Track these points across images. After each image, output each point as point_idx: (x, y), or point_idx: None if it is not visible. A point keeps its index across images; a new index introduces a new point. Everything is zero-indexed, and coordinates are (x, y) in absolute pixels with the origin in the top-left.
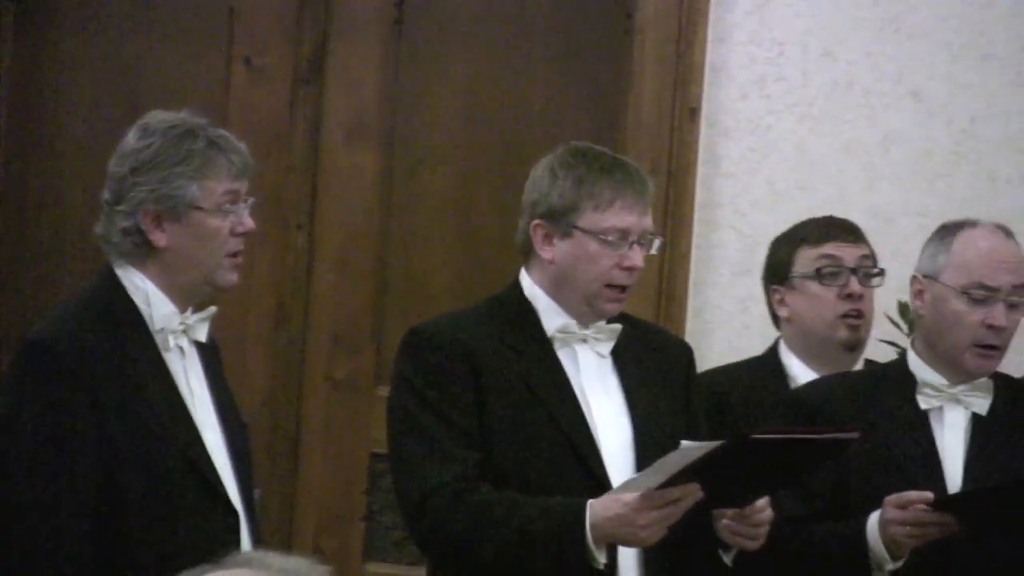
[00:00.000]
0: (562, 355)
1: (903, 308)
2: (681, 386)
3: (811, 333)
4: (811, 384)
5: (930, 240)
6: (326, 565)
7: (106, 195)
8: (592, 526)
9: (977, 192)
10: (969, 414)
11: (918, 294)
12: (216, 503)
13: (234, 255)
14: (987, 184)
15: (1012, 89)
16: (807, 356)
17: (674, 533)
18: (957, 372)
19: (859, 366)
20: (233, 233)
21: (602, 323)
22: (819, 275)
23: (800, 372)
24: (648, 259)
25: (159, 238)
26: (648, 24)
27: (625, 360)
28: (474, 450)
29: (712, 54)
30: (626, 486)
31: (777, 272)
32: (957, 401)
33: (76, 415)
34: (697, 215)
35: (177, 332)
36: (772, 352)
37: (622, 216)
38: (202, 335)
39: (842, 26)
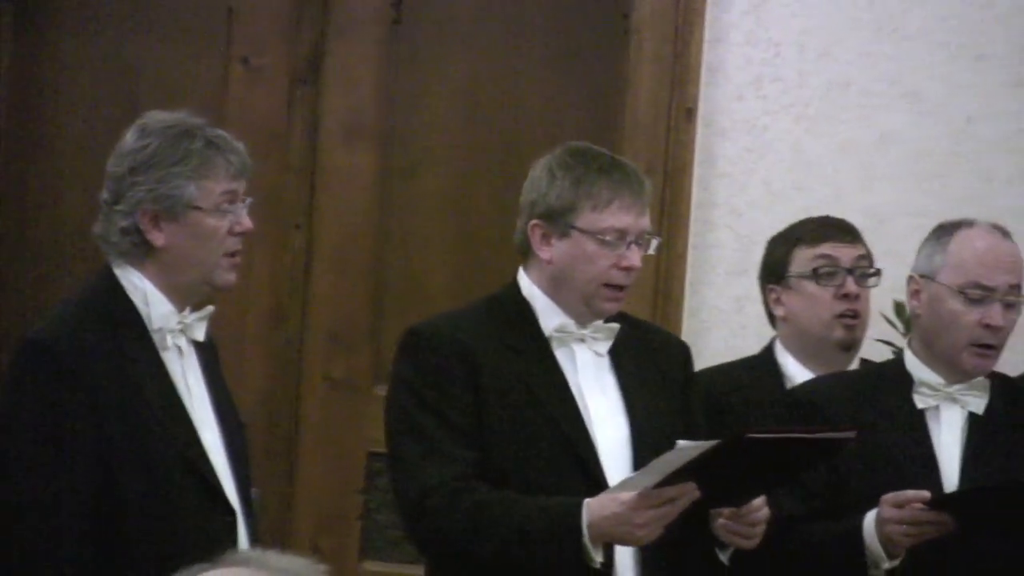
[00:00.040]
0: (560, 354)
1: (899, 307)
2: (679, 385)
3: (807, 333)
4: (808, 383)
5: (927, 240)
6: (323, 564)
7: (104, 195)
8: (589, 525)
9: (973, 192)
10: (966, 413)
11: (915, 294)
12: (214, 502)
13: (232, 255)
14: (983, 184)
15: (1008, 89)
16: (803, 355)
17: (671, 532)
18: (954, 371)
19: (854, 366)
20: (231, 233)
21: (600, 322)
22: (815, 275)
23: (796, 371)
24: (645, 259)
25: (157, 238)
26: (644, 24)
27: (623, 359)
28: (472, 449)
29: (708, 54)
30: (623, 485)
31: (773, 271)
32: (954, 400)
33: (75, 415)
34: (693, 215)
35: (175, 332)
36: (768, 351)
37: (620, 216)
38: (200, 335)
39: (838, 27)
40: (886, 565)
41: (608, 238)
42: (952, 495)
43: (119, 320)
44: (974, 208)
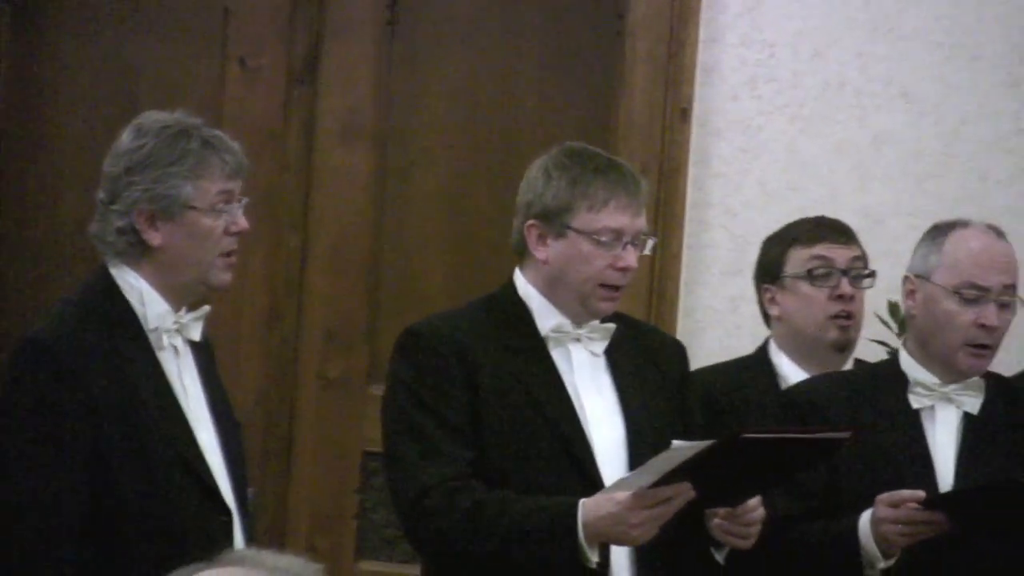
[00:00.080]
0: (556, 354)
1: (893, 308)
2: (675, 385)
3: (801, 333)
4: (804, 383)
5: (922, 240)
6: (319, 563)
7: (101, 194)
8: (584, 525)
9: (967, 192)
10: (961, 413)
11: (910, 294)
12: (210, 502)
13: (228, 255)
14: (977, 184)
15: (1002, 90)
16: (797, 356)
17: (666, 532)
18: (949, 371)
19: (849, 366)
20: (227, 232)
21: (596, 322)
22: (810, 276)
23: (790, 371)
24: (639, 258)
25: (153, 237)
26: (640, 25)
27: (619, 359)
28: (469, 449)
29: (703, 55)
30: (618, 485)
31: (768, 271)
32: (949, 400)
33: (72, 415)
34: (688, 215)
35: (171, 331)
36: (762, 351)
37: (616, 217)
38: (196, 334)
39: (833, 27)
40: (881, 565)
41: (604, 238)
42: (947, 495)
43: (115, 320)
44: (969, 208)
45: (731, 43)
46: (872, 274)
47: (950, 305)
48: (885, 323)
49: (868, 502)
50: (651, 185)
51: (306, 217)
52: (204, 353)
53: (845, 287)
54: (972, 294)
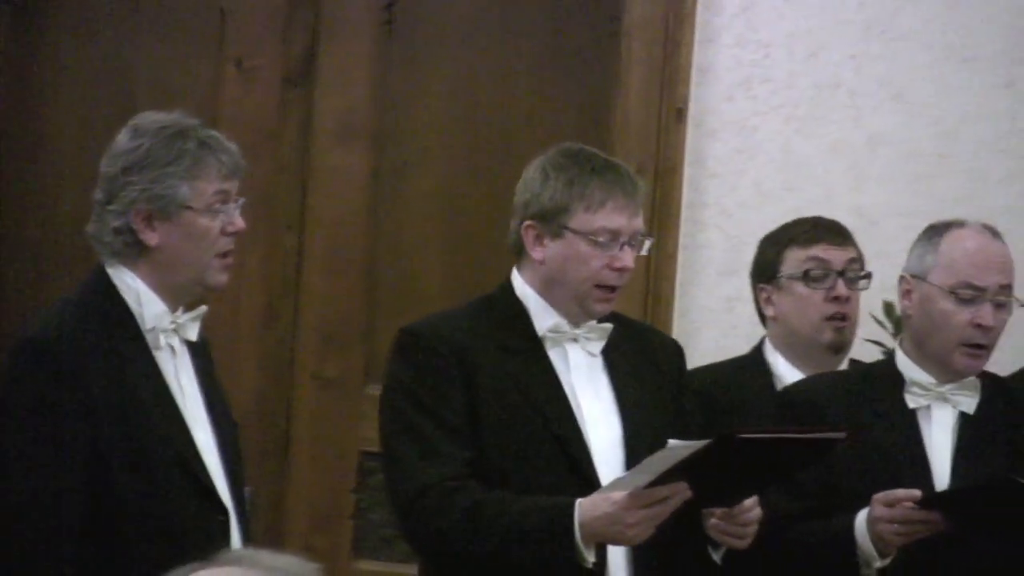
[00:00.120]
0: (553, 355)
1: (888, 308)
2: (672, 385)
3: (796, 333)
4: (801, 383)
5: (918, 240)
6: (316, 563)
7: (98, 195)
8: (581, 525)
9: (962, 193)
10: (957, 413)
11: (906, 294)
12: (207, 502)
13: (224, 255)
14: (972, 185)
15: (996, 91)
16: (792, 356)
17: (663, 532)
18: (945, 371)
19: (844, 367)
20: (224, 233)
21: (593, 323)
22: (806, 277)
23: (785, 371)
24: (635, 259)
25: (150, 238)
26: (635, 26)
27: (616, 359)
28: (465, 449)
29: (698, 56)
30: (614, 485)
31: (765, 271)
32: (945, 400)
33: (70, 415)
34: (684, 215)
35: (168, 331)
36: (757, 351)
37: (613, 217)
38: (193, 334)
39: (827, 28)
40: (877, 564)
41: (601, 239)
42: (942, 494)
43: (113, 320)
44: (964, 209)
45: (726, 44)
46: (868, 276)
47: (946, 305)
48: (880, 323)
49: (864, 501)
50: (647, 185)
51: (303, 217)
52: (201, 353)
53: (841, 289)
54: (968, 294)
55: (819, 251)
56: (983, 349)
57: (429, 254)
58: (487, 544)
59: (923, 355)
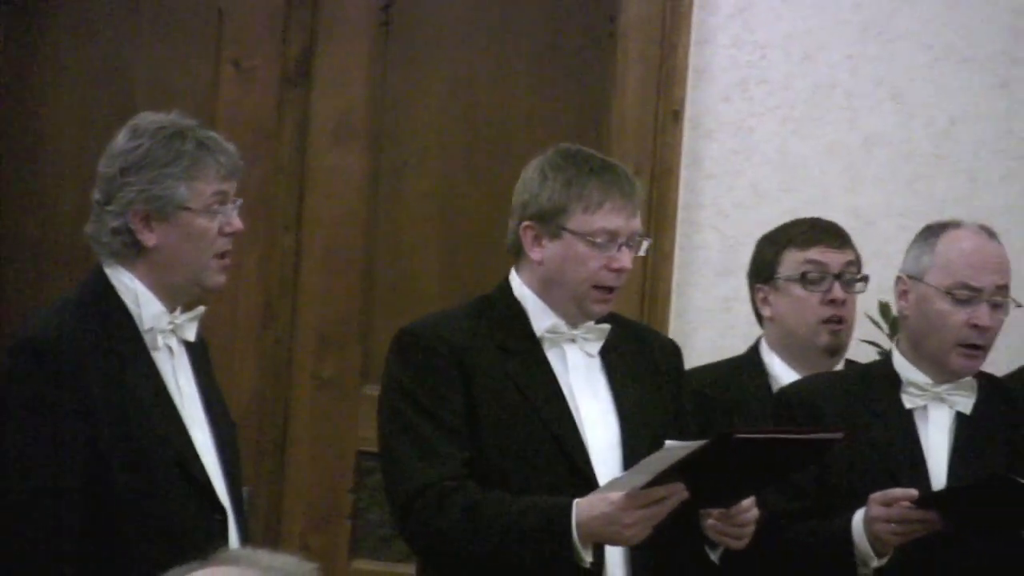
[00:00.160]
0: (551, 355)
1: (884, 308)
2: (670, 385)
3: (793, 335)
4: (798, 383)
5: (915, 241)
6: (313, 562)
7: (96, 195)
8: (578, 525)
9: (957, 193)
10: (953, 413)
11: (903, 294)
12: (205, 501)
13: (222, 255)
14: (967, 185)
15: (991, 91)
16: (788, 356)
17: (660, 532)
18: (942, 371)
19: (839, 368)
20: (222, 233)
21: (591, 323)
22: (803, 279)
23: (781, 371)
24: (632, 260)
25: (148, 238)
26: (632, 27)
27: (613, 360)
28: (464, 449)
29: (695, 57)
30: (611, 485)
31: (762, 272)
32: (941, 400)
33: (70, 415)
34: (680, 216)
35: (166, 332)
36: (753, 351)
37: (611, 218)
38: (191, 335)
39: (824, 29)
40: (874, 563)
41: (599, 240)
42: (939, 493)
43: (110, 320)
44: (959, 209)
45: (722, 45)
46: (865, 278)
47: (943, 305)
48: (876, 323)
49: (861, 501)
50: (643, 186)
51: (300, 217)
52: (199, 353)
53: (837, 292)
54: (964, 294)
55: (817, 254)
56: (979, 349)
57: (427, 254)
58: (485, 544)
59: (920, 355)
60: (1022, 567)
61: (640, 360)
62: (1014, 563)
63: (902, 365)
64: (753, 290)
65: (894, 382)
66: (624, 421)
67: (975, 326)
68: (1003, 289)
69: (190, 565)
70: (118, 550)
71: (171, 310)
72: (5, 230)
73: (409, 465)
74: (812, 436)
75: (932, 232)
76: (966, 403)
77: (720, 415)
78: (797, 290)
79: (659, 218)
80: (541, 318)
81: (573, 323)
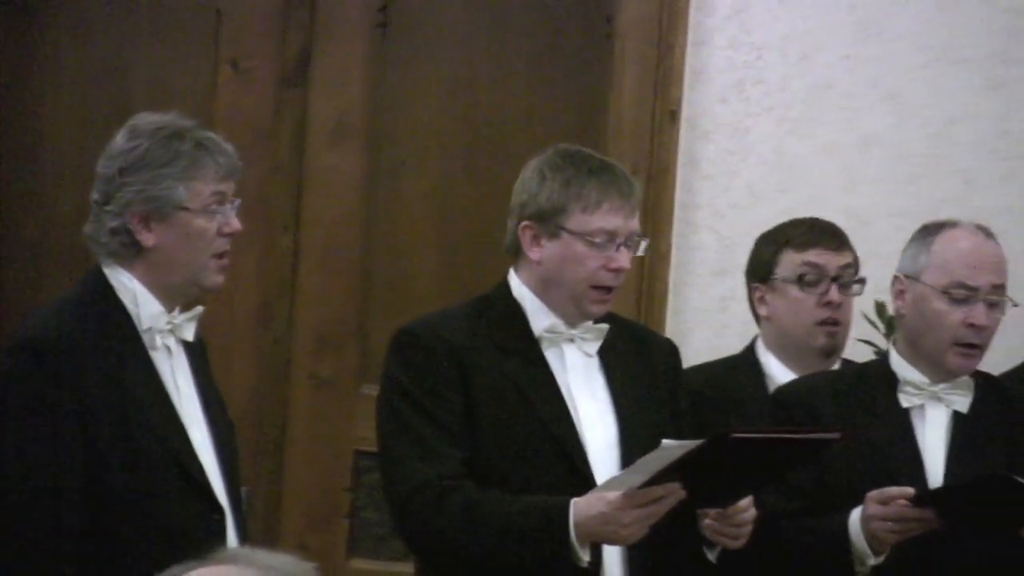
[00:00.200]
0: (549, 355)
1: (880, 308)
2: (667, 385)
3: (788, 335)
4: (794, 383)
5: (911, 240)
6: (311, 562)
7: (95, 195)
8: (575, 524)
9: (953, 194)
10: (950, 412)
11: (899, 294)
12: (203, 501)
13: (220, 256)
14: (962, 186)
15: (986, 92)
16: (784, 356)
17: (658, 532)
18: (938, 371)
19: (836, 367)
20: (220, 234)
21: (589, 323)
22: (800, 281)
23: (777, 371)
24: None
25: (147, 238)
26: (628, 28)
27: (611, 359)
28: (460, 448)
29: (692, 58)
30: (608, 484)
31: (759, 271)
32: (938, 399)
33: (68, 415)
34: (676, 216)
35: (164, 332)
36: (750, 351)
37: (609, 218)
38: (189, 335)
39: (820, 30)
40: (871, 562)
41: (597, 240)
42: (935, 491)
43: (108, 320)
44: (955, 209)
45: (719, 46)
46: (862, 281)
47: (939, 305)
48: (872, 323)
49: (859, 500)
50: (640, 186)
51: (298, 218)
52: (197, 353)
53: (834, 295)
54: (961, 294)
55: (814, 256)
56: (976, 349)
57: (424, 254)
58: (482, 543)
59: (916, 355)
60: (1018, 565)
61: (638, 360)
62: (1010, 561)
63: (899, 364)
64: (750, 289)
65: (891, 381)
66: (622, 421)
67: (972, 325)
68: (999, 288)
69: (188, 564)
70: (116, 550)
71: (169, 310)
72: (4, 230)
73: (408, 464)
74: (809, 436)
75: (929, 232)
76: (963, 402)
77: (716, 414)
78: (794, 291)
79: (656, 218)
80: (539, 318)
81: (571, 323)
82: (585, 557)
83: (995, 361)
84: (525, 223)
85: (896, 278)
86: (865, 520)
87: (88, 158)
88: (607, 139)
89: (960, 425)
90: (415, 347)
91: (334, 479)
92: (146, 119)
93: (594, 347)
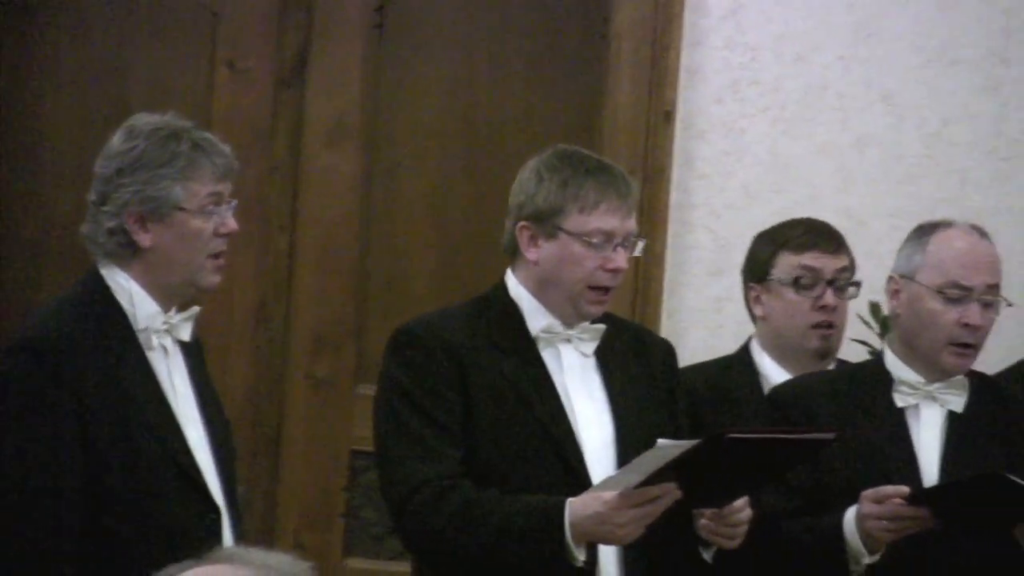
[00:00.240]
0: (546, 355)
1: (874, 308)
2: (664, 385)
3: (783, 336)
4: (790, 382)
5: (907, 240)
6: (307, 561)
7: (92, 196)
8: (571, 524)
9: (948, 194)
10: (945, 412)
11: (894, 294)
12: (199, 500)
13: (217, 256)
14: (957, 186)
15: (981, 93)
16: (779, 356)
17: (654, 531)
18: (933, 370)
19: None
20: (216, 234)
21: (586, 323)
22: (796, 284)
23: (772, 371)
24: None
25: (143, 239)
26: (624, 29)
27: (608, 360)
28: (458, 448)
29: (687, 58)
30: (604, 484)
31: (755, 270)
32: (933, 399)
33: (67, 415)
34: (672, 216)
35: (161, 332)
36: (744, 350)
37: (606, 219)
38: (186, 335)
39: (815, 31)
40: (866, 560)
41: (595, 240)
42: (931, 489)
43: (105, 320)
44: (949, 209)
45: (714, 46)
46: (857, 284)
47: (934, 304)
48: (867, 323)
49: (854, 500)
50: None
51: (294, 218)
52: (194, 353)
53: (829, 298)
54: (956, 294)
55: (811, 259)
56: (971, 348)
57: (421, 255)
58: (479, 542)
59: (911, 354)
60: (1012, 564)
61: (635, 360)
62: (1004, 560)
63: (894, 364)
64: (746, 288)
65: (886, 381)
66: (619, 421)
67: (966, 325)
68: (994, 288)
69: (185, 564)
70: (115, 549)
71: (166, 310)
72: (3, 230)
73: (407, 464)
74: (805, 436)
75: (924, 232)
76: (958, 402)
77: (711, 414)
78: (789, 294)
79: (651, 218)
80: (536, 318)
81: (568, 323)
82: (581, 557)
83: (993, 361)
84: (522, 223)
85: (891, 278)
86: (860, 519)
87: (87, 158)
88: (603, 140)
89: (955, 425)
90: (415, 347)
91: (330, 479)
92: (143, 120)
93: (591, 347)
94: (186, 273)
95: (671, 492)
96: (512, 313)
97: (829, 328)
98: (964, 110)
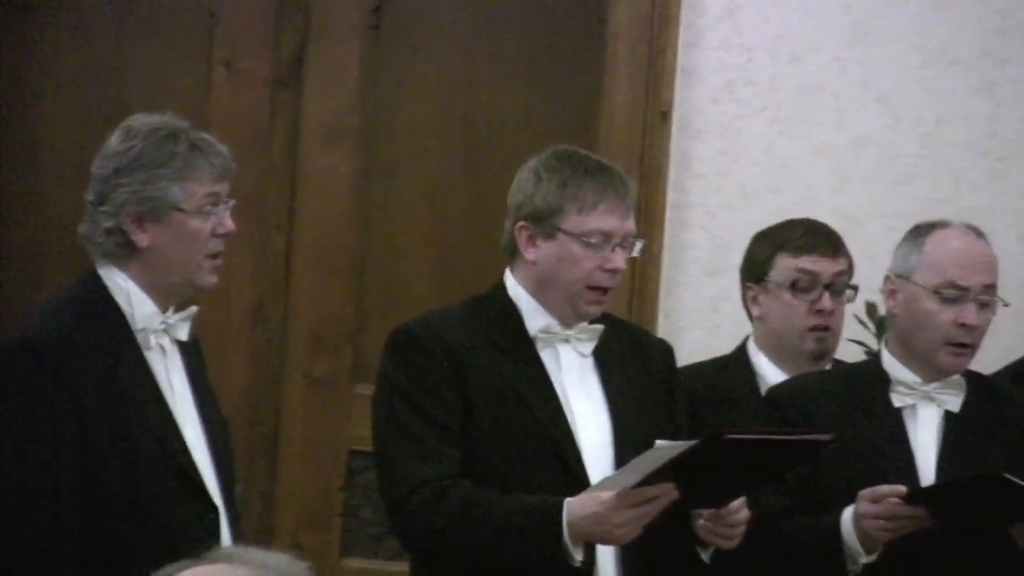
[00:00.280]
0: (545, 355)
1: (871, 308)
2: (663, 385)
3: (780, 338)
4: (787, 382)
5: (903, 240)
6: (305, 560)
7: (90, 196)
8: (569, 524)
9: (943, 194)
10: (942, 411)
11: (891, 294)
12: (197, 499)
13: (214, 256)
14: (953, 186)
15: (977, 93)
16: (775, 356)
17: (652, 532)
18: (930, 370)
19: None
20: (214, 234)
21: (584, 324)
22: (793, 287)
23: (769, 371)
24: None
25: (141, 239)
26: (621, 29)
27: (607, 360)
28: (456, 448)
29: (683, 59)
30: (602, 484)
31: (753, 271)
32: (930, 399)
33: (66, 415)
34: (668, 216)
35: (158, 331)
36: (741, 350)
37: (605, 219)
38: (183, 334)
39: (811, 32)
40: (863, 560)
41: (593, 240)
42: (928, 489)
43: (103, 320)
44: (945, 209)
45: (711, 47)
46: (855, 287)
47: (931, 305)
48: (863, 323)
49: (851, 500)
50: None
51: (291, 218)
52: (192, 353)
53: (825, 302)
54: (952, 294)
55: (809, 262)
56: (967, 348)
57: (418, 255)
58: (477, 542)
59: (908, 354)
60: (1008, 564)
61: (633, 360)
62: (1001, 560)
63: (891, 364)
64: (744, 287)
65: (883, 381)
66: (617, 421)
67: (963, 325)
68: (990, 288)
69: (183, 563)
70: (113, 549)
71: (163, 310)
72: (3, 230)
73: (406, 464)
74: (802, 437)
75: (920, 232)
76: (955, 402)
77: (708, 414)
78: (786, 296)
79: (648, 218)
80: (535, 318)
81: (567, 323)
82: (578, 557)
83: (991, 361)
84: (521, 223)
85: (887, 278)
86: (857, 518)
87: (86, 158)
88: (599, 139)
89: (951, 424)
90: (414, 346)
91: (328, 478)
92: (141, 120)
93: (589, 347)
94: (184, 273)
95: (669, 492)
96: (511, 313)
97: (825, 331)
98: (960, 110)
